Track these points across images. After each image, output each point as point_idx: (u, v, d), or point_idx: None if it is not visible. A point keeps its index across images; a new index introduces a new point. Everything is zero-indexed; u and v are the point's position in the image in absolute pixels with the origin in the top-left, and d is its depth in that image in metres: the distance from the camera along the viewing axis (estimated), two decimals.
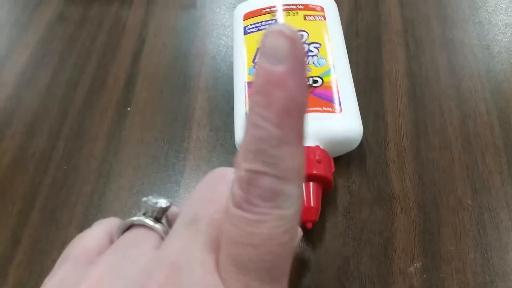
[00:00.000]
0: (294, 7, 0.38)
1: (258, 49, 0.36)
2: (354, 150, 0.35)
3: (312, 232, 0.32)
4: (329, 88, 0.34)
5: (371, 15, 0.45)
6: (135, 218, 0.18)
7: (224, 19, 0.45)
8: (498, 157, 0.35)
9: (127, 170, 0.36)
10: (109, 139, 0.38)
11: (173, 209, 0.19)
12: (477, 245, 0.31)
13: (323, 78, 0.34)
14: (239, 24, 0.39)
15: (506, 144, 0.36)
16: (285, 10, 0.38)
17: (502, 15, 0.44)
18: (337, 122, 0.33)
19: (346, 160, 0.35)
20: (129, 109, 0.39)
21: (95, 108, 0.40)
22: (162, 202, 0.18)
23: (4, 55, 0.44)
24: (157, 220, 0.18)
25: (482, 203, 0.33)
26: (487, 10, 0.44)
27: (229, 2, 0.47)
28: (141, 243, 0.17)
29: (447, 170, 0.35)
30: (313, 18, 0.38)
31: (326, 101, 0.33)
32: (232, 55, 0.40)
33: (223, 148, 0.36)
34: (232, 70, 0.38)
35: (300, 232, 0.27)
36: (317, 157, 0.31)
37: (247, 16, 0.39)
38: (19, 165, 0.37)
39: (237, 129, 0.34)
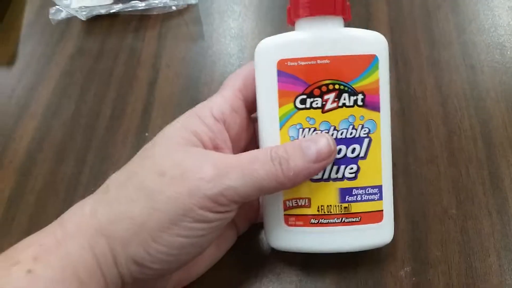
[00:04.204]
0: None
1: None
2: None
3: None
4: None
5: None
6: None
7: (229, 48, 0.49)
8: (480, 170, 0.39)
9: None
10: None
11: None
12: (461, 250, 0.35)
13: None
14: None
15: (488, 157, 0.39)
16: None
17: (485, 36, 0.47)
18: None
19: None
20: (147, 134, 0.44)
21: (117, 135, 0.44)
22: None
23: (31, 88, 0.49)
24: None
25: (466, 212, 0.37)
26: (472, 31, 0.48)
27: (233, 32, 0.51)
28: None
29: (434, 182, 0.38)
30: None
31: None
32: None
33: None
34: None
35: None
36: None
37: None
38: (51, 188, 0.41)
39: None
